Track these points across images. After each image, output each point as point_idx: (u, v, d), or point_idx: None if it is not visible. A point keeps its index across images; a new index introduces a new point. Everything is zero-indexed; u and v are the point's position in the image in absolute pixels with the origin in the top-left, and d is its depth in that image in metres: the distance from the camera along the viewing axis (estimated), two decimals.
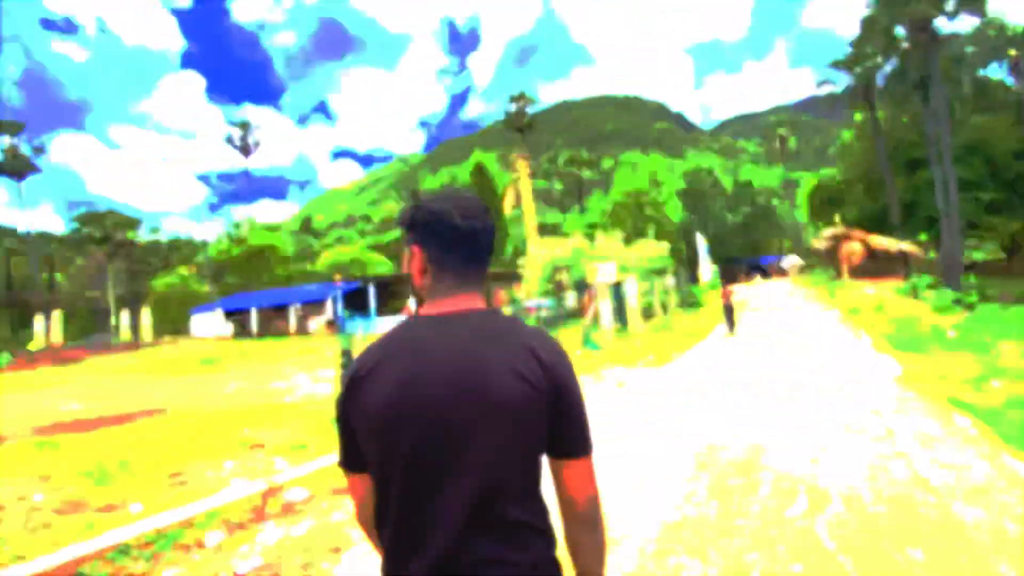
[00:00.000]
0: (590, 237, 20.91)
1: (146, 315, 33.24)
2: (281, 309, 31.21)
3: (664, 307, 21.49)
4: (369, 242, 51.45)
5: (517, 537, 0.94)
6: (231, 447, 5.98)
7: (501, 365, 0.94)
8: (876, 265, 26.98)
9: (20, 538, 3.45)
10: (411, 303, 26.51)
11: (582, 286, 17.25)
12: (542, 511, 1.01)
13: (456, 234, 1.02)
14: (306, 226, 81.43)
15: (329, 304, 28.98)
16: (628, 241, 22.04)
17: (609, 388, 8.48)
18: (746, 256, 48.17)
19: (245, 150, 48.64)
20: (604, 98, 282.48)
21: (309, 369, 13.56)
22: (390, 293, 29.12)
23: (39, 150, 33.85)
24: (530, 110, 48.22)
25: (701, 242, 38.72)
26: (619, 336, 14.67)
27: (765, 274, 48.58)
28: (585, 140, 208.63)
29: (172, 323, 39.82)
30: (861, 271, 26.66)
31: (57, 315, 31.27)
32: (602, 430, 5.82)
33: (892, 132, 30.39)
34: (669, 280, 23.33)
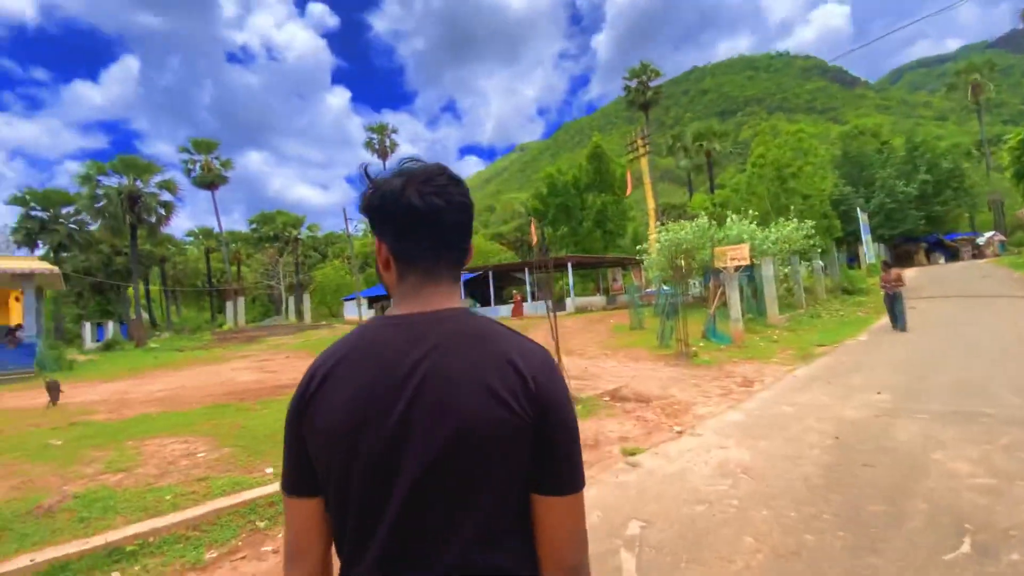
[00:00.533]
0: (718, 217, 19.09)
1: (307, 301, 38.56)
2: None
3: (810, 295, 18.93)
4: (491, 232, 53.51)
5: None
6: None
7: (471, 381, 0.76)
8: None
9: (180, 489, 4.14)
10: (517, 294, 27.11)
11: (708, 272, 15.88)
12: (522, 554, 0.81)
13: (415, 216, 0.82)
14: None
15: None
16: (766, 219, 19.74)
17: (729, 386, 7.69)
18: (924, 234, 40.24)
19: (383, 153, 53.40)
20: (742, 59, 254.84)
21: None
22: (502, 283, 30.32)
23: (227, 164, 40.73)
24: (655, 83, 45.53)
25: (862, 218, 33.38)
26: (753, 328, 13.19)
27: (951, 254, 40.22)
28: (720, 109, 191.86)
29: (328, 308, 45.74)
30: None
31: (242, 301, 37.68)
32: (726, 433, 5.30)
33: None
34: (817, 264, 20.45)
